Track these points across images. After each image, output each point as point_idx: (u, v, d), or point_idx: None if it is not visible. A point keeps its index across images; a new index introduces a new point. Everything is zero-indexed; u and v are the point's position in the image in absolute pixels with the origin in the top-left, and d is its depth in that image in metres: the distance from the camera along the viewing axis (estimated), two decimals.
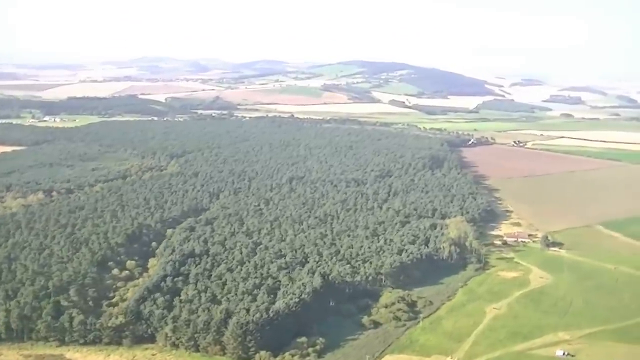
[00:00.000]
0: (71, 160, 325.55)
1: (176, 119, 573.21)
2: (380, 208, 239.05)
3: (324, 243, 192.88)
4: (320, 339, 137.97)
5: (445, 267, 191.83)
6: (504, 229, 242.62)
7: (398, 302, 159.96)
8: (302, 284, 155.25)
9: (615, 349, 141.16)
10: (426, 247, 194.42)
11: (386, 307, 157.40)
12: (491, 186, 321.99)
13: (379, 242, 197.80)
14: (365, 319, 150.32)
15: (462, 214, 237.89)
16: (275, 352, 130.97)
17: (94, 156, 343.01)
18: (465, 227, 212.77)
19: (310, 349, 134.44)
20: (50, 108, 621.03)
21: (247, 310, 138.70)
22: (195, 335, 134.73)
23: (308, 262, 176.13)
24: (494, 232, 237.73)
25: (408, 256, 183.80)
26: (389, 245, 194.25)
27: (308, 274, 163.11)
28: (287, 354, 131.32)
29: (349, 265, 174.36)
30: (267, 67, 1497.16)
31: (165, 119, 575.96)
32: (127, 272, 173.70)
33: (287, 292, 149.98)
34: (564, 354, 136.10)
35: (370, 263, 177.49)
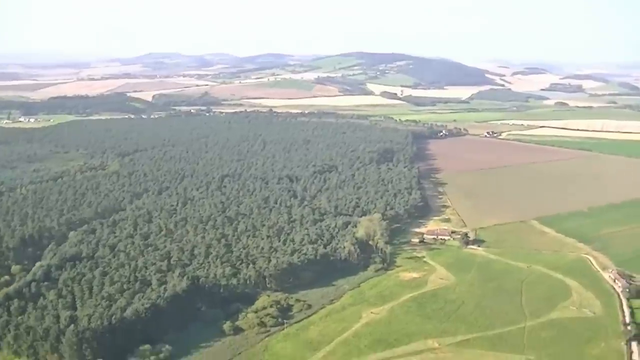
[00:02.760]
0: (17, 162, 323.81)
1: (152, 117, 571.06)
2: (300, 205, 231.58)
3: (219, 243, 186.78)
4: (167, 346, 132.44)
5: (344, 268, 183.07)
6: (430, 226, 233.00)
7: (270, 306, 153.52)
8: (164, 288, 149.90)
9: (481, 358, 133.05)
10: (324, 248, 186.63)
11: (256, 312, 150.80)
12: (440, 180, 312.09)
13: (278, 242, 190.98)
14: (227, 325, 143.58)
15: (386, 210, 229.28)
16: None
17: (43, 157, 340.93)
18: (374, 225, 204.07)
19: (152, 357, 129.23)
20: (31, 108, 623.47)
21: (89, 317, 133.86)
22: (35, 343, 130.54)
23: (191, 264, 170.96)
24: (419, 229, 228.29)
25: (299, 257, 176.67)
26: (287, 245, 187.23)
27: (178, 276, 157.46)
28: None
29: (229, 268, 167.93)
30: (269, 61, 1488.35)
31: (142, 116, 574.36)
32: (7, 277, 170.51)
33: (142, 297, 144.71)
34: None
35: (254, 265, 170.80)
